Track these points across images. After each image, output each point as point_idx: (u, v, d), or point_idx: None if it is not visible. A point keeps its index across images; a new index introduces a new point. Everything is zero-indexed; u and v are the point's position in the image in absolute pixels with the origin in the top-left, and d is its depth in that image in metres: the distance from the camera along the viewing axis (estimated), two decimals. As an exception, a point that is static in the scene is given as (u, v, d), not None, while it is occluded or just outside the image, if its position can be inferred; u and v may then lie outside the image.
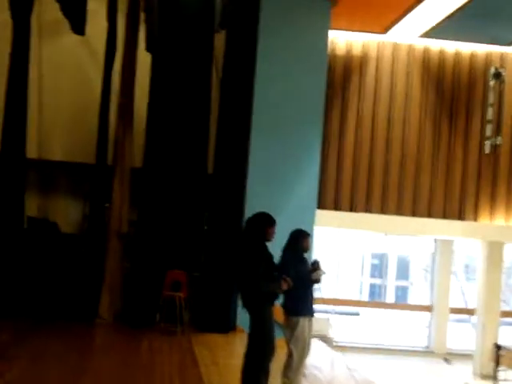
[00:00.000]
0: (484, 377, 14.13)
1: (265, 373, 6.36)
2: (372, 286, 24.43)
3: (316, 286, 7.41)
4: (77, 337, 10.34)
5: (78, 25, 12.30)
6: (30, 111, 12.37)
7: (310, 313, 7.23)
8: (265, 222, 6.53)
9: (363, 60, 15.49)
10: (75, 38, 12.83)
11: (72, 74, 13.37)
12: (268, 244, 6.54)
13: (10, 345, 9.15)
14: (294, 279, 6.76)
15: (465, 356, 16.09)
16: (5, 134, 12.03)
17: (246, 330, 6.56)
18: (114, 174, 12.01)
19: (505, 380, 13.32)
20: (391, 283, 24.11)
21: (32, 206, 12.81)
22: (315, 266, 7.26)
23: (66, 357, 8.75)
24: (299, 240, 7.28)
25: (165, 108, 12.30)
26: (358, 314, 22.86)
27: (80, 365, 8.36)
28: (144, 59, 12.39)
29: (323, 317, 16.10)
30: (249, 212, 9.78)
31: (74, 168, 13.15)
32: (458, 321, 20.37)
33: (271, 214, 6.64)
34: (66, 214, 13.26)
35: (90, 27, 12.54)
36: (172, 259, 11.85)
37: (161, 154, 12.23)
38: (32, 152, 12.69)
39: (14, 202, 12.09)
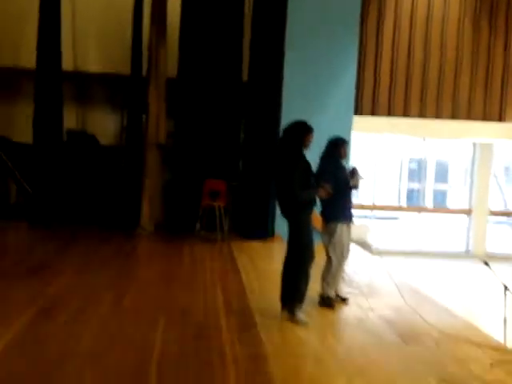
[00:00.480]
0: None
1: (304, 278, 6.48)
2: (410, 191, 24.39)
3: (354, 192, 7.42)
4: (119, 246, 10.58)
5: None
6: (63, 24, 12.29)
7: (348, 219, 7.28)
8: (302, 130, 6.49)
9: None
10: None
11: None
12: (305, 151, 6.54)
13: (56, 254, 9.43)
14: (333, 186, 6.79)
15: (504, 258, 16.15)
16: (40, 48, 12.01)
17: (285, 237, 6.65)
18: (149, 84, 11.97)
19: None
20: (430, 187, 24.01)
21: (70, 119, 12.90)
22: (353, 172, 7.25)
23: (109, 265, 9.00)
24: (337, 147, 7.25)
25: (198, 16, 12.11)
26: (396, 219, 22.96)
27: (124, 272, 8.62)
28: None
29: (362, 222, 16.19)
30: (285, 119, 9.76)
31: (110, 79, 13.13)
32: (498, 223, 20.35)
33: (307, 121, 6.60)
34: (104, 125, 13.33)
35: None
36: (210, 169, 11.94)
37: (195, 63, 12.13)
38: (68, 65, 12.68)
39: (53, 116, 12.20)
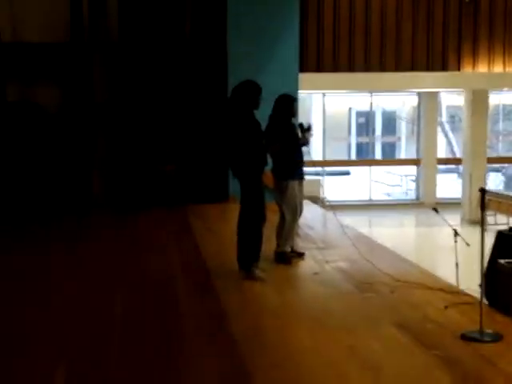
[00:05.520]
0: (472, 222, 14.57)
1: (258, 236, 6.55)
2: (359, 145, 24.65)
3: (305, 148, 7.47)
4: (75, 219, 10.49)
5: None
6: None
7: (299, 176, 7.35)
8: (253, 90, 6.55)
9: None
10: None
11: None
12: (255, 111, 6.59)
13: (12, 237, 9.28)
14: (283, 144, 6.89)
15: (454, 204, 16.52)
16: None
17: (239, 198, 6.70)
18: (91, 50, 11.80)
19: (493, 224, 13.75)
20: (378, 140, 24.31)
21: (12, 92, 12.59)
22: (302, 128, 7.31)
23: (64, 239, 8.96)
24: (285, 105, 7.27)
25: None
26: (348, 174, 23.23)
27: (81, 242, 8.58)
28: None
29: (314, 178, 16.34)
30: (231, 79, 9.73)
31: (51, 48, 12.82)
32: (447, 171, 20.75)
33: (254, 79, 6.63)
34: (48, 95, 13.04)
35: None
36: (159, 134, 11.85)
37: (136, 26, 11.95)
38: (7, 36, 12.35)
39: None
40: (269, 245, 7.02)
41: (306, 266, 7.27)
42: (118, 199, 11.62)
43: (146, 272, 6.94)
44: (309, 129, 7.32)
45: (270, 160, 6.94)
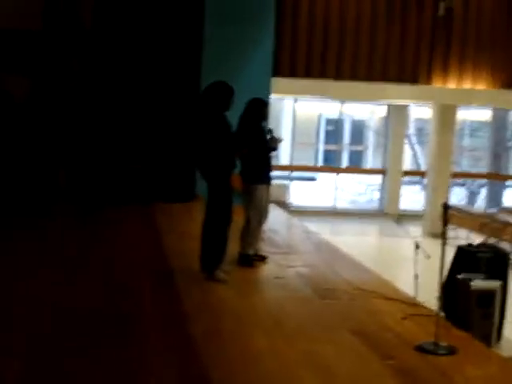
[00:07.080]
0: (433, 235, 14.73)
1: (223, 238, 6.58)
2: (327, 152, 24.79)
3: (273, 153, 7.54)
4: (38, 215, 10.32)
5: None
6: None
7: (267, 180, 7.41)
8: (226, 92, 6.57)
9: None
10: None
11: None
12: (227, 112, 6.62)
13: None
14: (252, 147, 6.94)
15: (416, 216, 16.71)
16: None
17: (206, 198, 6.73)
18: (65, 40, 11.69)
19: (453, 238, 13.94)
20: (346, 148, 24.49)
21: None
22: (271, 133, 7.38)
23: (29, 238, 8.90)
24: (257, 109, 7.32)
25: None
26: (314, 179, 23.37)
27: (39, 245, 8.51)
28: None
29: (280, 183, 16.43)
30: (204, 80, 9.73)
31: (22, 35, 12.66)
32: (411, 183, 20.99)
33: (227, 81, 6.67)
34: (16, 84, 12.87)
35: None
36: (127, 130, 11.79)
37: (110, 17, 11.88)
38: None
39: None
40: (233, 247, 7.06)
41: (268, 269, 7.33)
42: (84, 196, 11.48)
43: (109, 269, 6.92)
44: (274, 134, 7.41)
45: (238, 163, 6.98)
